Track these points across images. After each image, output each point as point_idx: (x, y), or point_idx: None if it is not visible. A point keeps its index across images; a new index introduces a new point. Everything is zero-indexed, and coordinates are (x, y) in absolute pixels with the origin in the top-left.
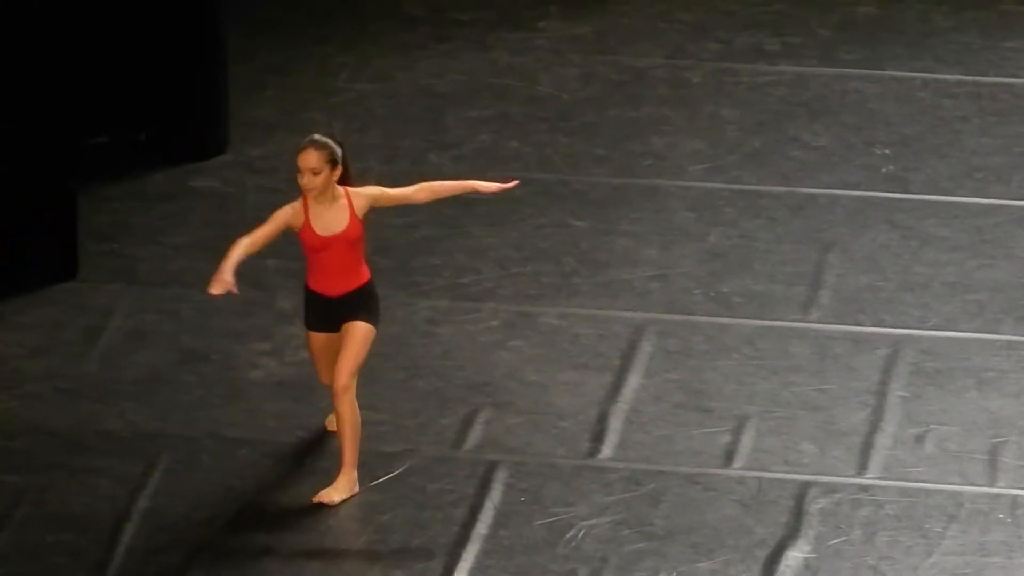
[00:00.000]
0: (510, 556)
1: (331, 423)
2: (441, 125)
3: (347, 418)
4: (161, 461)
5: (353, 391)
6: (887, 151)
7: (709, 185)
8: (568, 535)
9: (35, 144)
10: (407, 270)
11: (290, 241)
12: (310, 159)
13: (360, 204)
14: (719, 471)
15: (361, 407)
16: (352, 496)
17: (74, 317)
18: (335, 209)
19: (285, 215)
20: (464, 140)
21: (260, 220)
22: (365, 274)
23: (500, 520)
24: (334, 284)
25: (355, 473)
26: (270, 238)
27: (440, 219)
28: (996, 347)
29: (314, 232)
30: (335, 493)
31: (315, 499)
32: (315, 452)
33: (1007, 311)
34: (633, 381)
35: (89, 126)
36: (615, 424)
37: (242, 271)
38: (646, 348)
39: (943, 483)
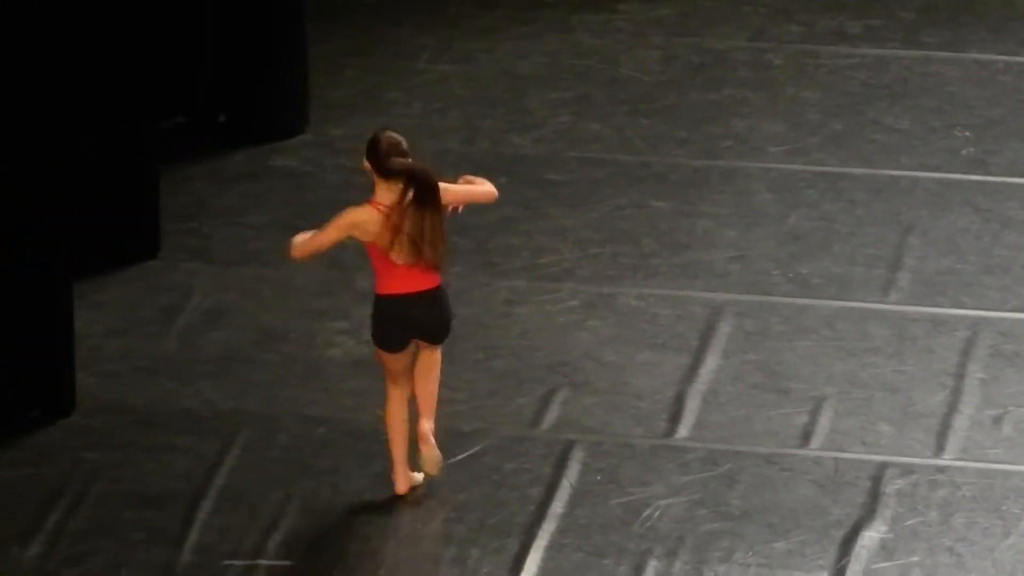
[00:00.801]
0: (586, 535)
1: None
2: (522, 106)
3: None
4: (238, 439)
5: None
6: (968, 134)
7: (789, 167)
8: (644, 515)
9: (117, 125)
10: (485, 251)
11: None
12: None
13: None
14: (796, 451)
15: (441, 386)
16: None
17: (153, 296)
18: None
19: (353, 215)
20: (545, 122)
21: (339, 200)
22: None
23: (576, 499)
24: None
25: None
26: (334, 242)
27: (519, 200)
28: None
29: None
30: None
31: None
32: None
33: None
34: (711, 362)
35: (170, 107)
36: (692, 404)
37: None
38: (724, 329)
39: (1021, 465)
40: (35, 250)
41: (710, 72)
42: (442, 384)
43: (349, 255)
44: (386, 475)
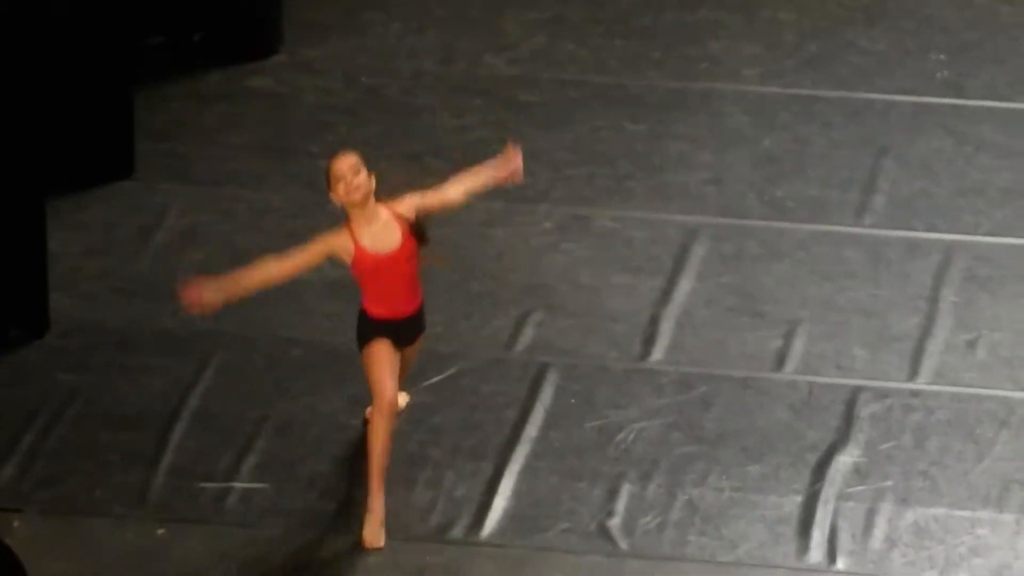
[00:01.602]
0: (560, 458)
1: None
2: (498, 27)
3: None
4: (213, 361)
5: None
6: (943, 57)
7: (765, 90)
8: (618, 437)
9: (92, 44)
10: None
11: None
12: (349, 158)
13: (407, 216)
14: (770, 375)
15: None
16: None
17: (129, 216)
18: (382, 226)
19: (328, 242)
20: (521, 42)
21: (315, 120)
22: (420, 291)
23: (551, 422)
24: (401, 305)
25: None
26: (307, 267)
27: (494, 121)
28: None
29: (367, 253)
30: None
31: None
32: None
33: None
34: (685, 285)
35: (145, 26)
36: (667, 327)
37: (298, 172)
38: (699, 252)
39: (994, 389)
40: (8, 169)
41: None
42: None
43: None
44: (361, 401)
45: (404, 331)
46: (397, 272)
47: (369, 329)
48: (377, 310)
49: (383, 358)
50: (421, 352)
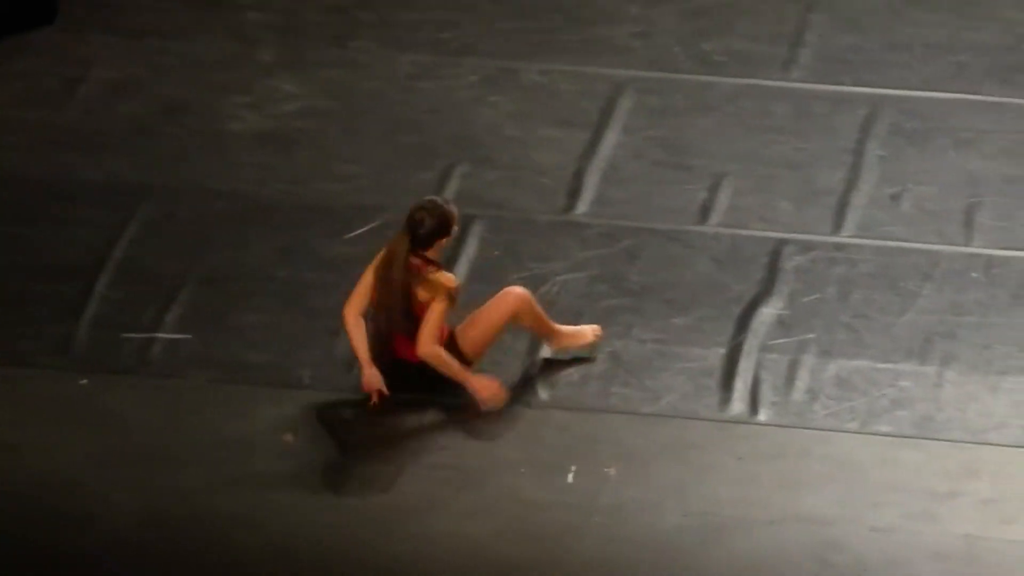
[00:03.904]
0: None
1: None
2: None
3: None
4: (140, 212)
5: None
6: None
7: None
8: (543, 289)
9: None
10: (389, 24)
11: None
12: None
13: (424, 295)
14: (695, 228)
15: (343, 160)
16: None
17: (54, 67)
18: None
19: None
20: None
21: None
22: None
23: (476, 273)
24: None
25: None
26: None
27: None
28: (976, 108)
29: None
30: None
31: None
32: (292, 202)
33: (988, 72)
34: (612, 138)
35: None
36: (592, 180)
37: (227, 24)
38: (626, 105)
39: (919, 242)
40: None
41: None
42: (345, 159)
43: (252, 28)
44: (287, 251)
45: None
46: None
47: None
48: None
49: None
50: (346, 206)
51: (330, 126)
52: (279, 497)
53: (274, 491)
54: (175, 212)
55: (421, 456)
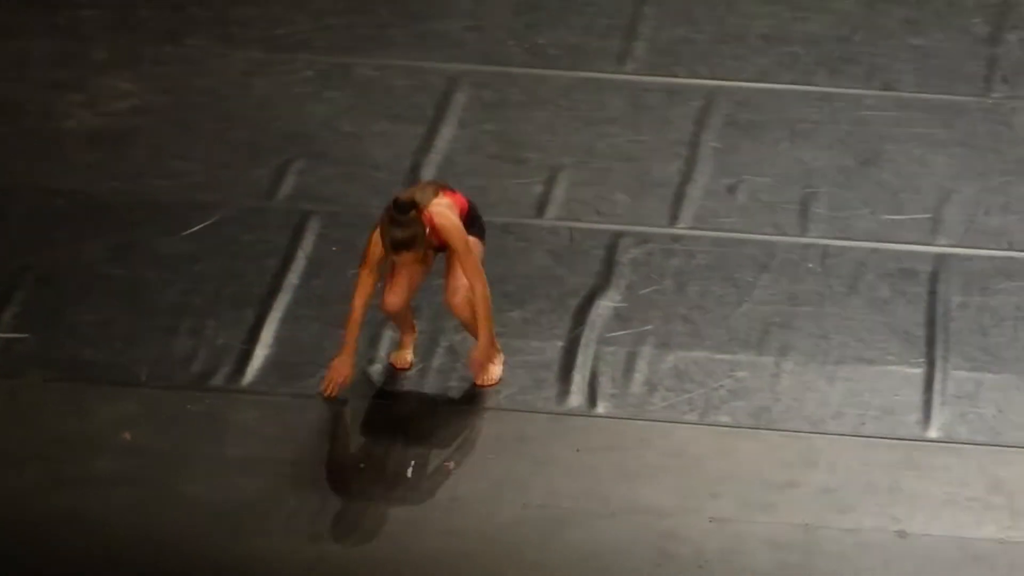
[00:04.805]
0: (322, 305)
1: (397, 359)
2: None
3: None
4: None
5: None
6: None
7: None
8: (380, 285)
9: None
10: (222, 20)
11: None
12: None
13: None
14: (532, 221)
15: (177, 157)
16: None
17: None
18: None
19: (378, 249)
20: None
21: None
22: None
23: (312, 270)
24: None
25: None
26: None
27: None
28: (810, 99)
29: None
30: (495, 370)
31: (479, 384)
32: (127, 200)
33: (821, 63)
34: (447, 132)
35: None
36: (428, 174)
37: (60, 21)
38: (460, 99)
39: (754, 233)
40: None
41: None
42: (178, 155)
43: (86, 25)
44: (123, 248)
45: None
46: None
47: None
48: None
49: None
50: (181, 203)
51: (165, 123)
52: (118, 495)
53: (113, 489)
54: (9, 211)
55: (261, 452)
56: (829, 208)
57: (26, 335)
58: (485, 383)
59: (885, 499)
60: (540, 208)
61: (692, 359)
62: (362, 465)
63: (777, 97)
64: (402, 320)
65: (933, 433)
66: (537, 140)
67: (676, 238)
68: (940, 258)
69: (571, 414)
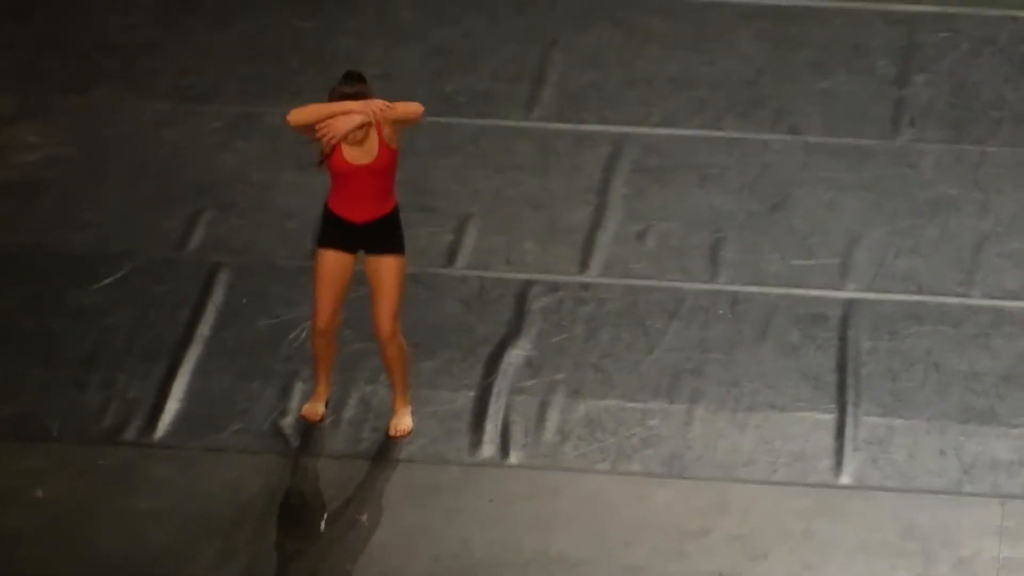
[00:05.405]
0: (233, 356)
1: (310, 412)
2: None
3: (399, 358)
4: None
5: (399, 332)
6: None
7: None
8: (291, 335)
9: None
10: (130, 71)
11: None
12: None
13: (388, 132)
14: (442, 270)
15: (87, 208)
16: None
17: None
18: (366, 137)
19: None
20: None
21: None
22: (392, 202)
23: (223, 321)
24: (359, 210)
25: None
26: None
27: (163, 19)
28: (718, 144)
29: (343, 159)
30: (405, 421)
31: (392, 434)
32: (37, 252)
33: (729, 107)
34: None
35: None
36: None
37: None
38: None
39: (664, 280)
40: None
41: None
42: (93, 209)
43: None
44: (35, 299)
45: (359, 235)
46: (365, 182)
47: (325, 221)
48: (337, 208)
49: (324, 273)
50: (92, 254)
51: (74, 175)
52: (29, 553)
53: (23, 547)
54: None
55: (172, 505)
56: (738, 253)
57: None
58: (397, 434)
59: (798, 545)
60: (450, 257)
61: (604, 407)
62: (275, 518)
63: (685, 142)
64: (328, 345)
65: (845, 479)
66: (446, 188)
67: (586, 286)
68: (849, 303)
69: (484, 465)
